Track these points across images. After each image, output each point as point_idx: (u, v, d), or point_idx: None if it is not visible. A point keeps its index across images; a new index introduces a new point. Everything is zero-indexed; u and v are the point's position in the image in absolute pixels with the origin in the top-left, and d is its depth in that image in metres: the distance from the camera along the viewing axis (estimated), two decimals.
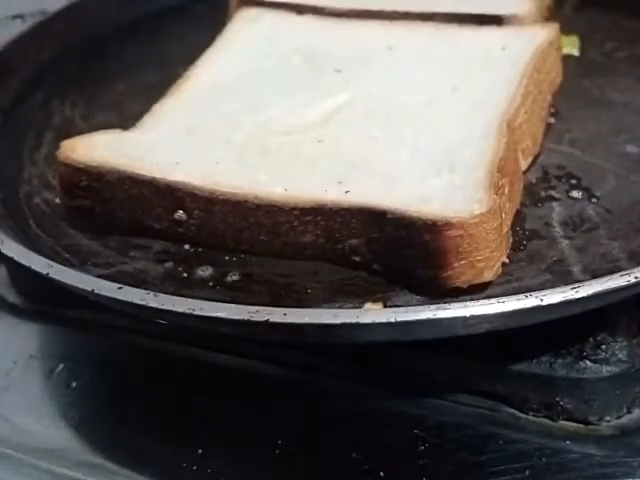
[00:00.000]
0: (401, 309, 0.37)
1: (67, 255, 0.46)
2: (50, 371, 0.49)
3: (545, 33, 0.55)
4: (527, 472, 0.41)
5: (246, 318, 0.37)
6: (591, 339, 0.43)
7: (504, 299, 0.37)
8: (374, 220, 0.42)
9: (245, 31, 0.59)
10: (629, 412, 0.43)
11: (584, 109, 0.55)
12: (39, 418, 0.47)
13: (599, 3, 0.65)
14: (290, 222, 0.44)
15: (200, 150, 0.48)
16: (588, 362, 0.43)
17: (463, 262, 0.41)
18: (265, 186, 0.45)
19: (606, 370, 0.42)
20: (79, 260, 0.46)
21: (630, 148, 0.51)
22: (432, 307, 0.37)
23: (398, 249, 0.42)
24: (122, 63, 0.64)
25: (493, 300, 0.37)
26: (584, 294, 0.37)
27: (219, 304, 0.38)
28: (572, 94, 0.56)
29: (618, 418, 0.43)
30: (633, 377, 0.43)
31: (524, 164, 0.49)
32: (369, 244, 0.43)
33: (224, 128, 0.50)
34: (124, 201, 0.47)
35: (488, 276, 0.42)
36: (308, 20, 0.60)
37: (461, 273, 0.41)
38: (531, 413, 0.43)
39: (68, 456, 0.44)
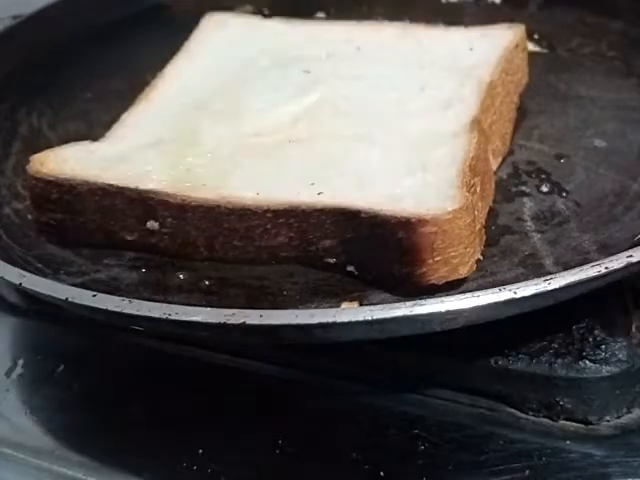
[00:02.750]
0: (377, 307, 0.37)
1: (39, 264, 0.46)
2: (50, 371, 0.48)
3: (511, 34, 0.55)
4: (527, 472, 0.41)
5: (222, 321, 0.37)
6: (591, 339, 0.43)
7: (479, 293, 0.37)
8: (348, 220, 0.42)
9: (212, 36, 0.59)
10: (629, 412, 0.43)
11: (552, 105, 0.56)
12: (39, 418, 0.46)
13: (564, 1, 0.66)
14: (263, 225, 0.44)
15: (170, 157, 0.48)
16: (588, 362, 0.42)
17: (438, 259, 0.41)
18: (237, 190, 0.44)
19: (606, 370, 0.42)
20: (52, 269, 0.46)
21: (598, 142, 0.52)
22: (408, 304, 0.37)
23: (373, 249, 0.42)
24: (89, 71, 0.64)
25: (468, 294, 0.37)
26: (556, 286, 0.37)
27: (195, 308, 0.37)
28: (540, 91, 0.57)
29: (618, 418, 0.43)
30: (633, 377, 0.43)
31: (494, 164, 0.50)
32: (343, 245, 0.43)
33: (194, 134, 0.50)
34: (96, 213, 0.46)
35: (463, 272, 0.42)
36: (275, 23, 0.60)
37: (436, 270, 0.41)
38: (531, 413, 0.43)
39: (68, 456, 0.44)
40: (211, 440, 0.43)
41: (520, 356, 0.43)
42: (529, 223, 0.46)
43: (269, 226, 0.44)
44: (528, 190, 0.49)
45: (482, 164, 0.46)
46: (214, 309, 0.37)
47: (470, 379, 0.44)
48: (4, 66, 0.61)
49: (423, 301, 0.37)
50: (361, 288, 0.43)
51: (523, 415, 0.43)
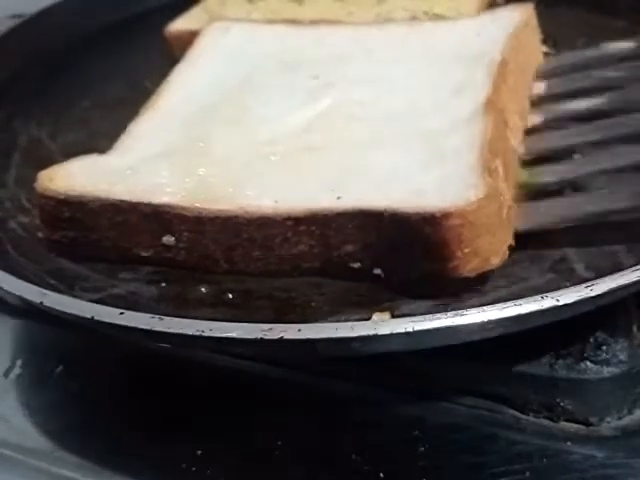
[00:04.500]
0: (417, 318, 0.36)
1: (53, 281, 0.45)
2: (49, 372, 0.48)
3: (518, 14, 0.55)
4: (528, 473, 0.40)
5: (259, 337, 0.35)
6: (592, 340, 0.43)
7: (521, 301, 0.36)
8: (370, 222, 0.41)
9: (215, 42, 0.58)
10: (630, 413, 0.43)
11: None
12: (38, 419, 0.45)
13: (567, 0, 0.66)
14: (283, 234, 0.43)
15: (182, 168, 0.46)
16: (589, 363, 0.42)
17: (467, 251, 0.40)
18: (254, 199, 0.43)
19: (607, 371, 0.42)
20: (66, 285, 0.44)
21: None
22: (449, 314, 0.36)
23: (398, 248, 0.41)
24: (87, 77, 0.63)
25: (509, 303, 0.36)
26: (599, 292, 0.37)
27: (230, 324, 0.36)
28: None
29: (619, 419, 0.42)
30: (634, 378, 0.42)
31: (515, 142, 0.48)
32: (367, 248, 0.42)
33: (205, 143, 0.48)
34: (109, 230, 0.45)
35: (495, 262, 0.41)
36: (279, 27, 0.58)
37: (467, 262, 0.40)
38: (532, 414, 0.43)
39: (66, 457, 0.43)
40: (210, 441, 0.43)
41: (521, 357, 0.42)
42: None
43: (289, 234, 0.43)
44: (552, 192, 0.48)
45: (502, 144, 0.45)
46: (249, 324, 0.36)
47: (470, 380, 0.44)
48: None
49: (464, 311, 0.36)
50: (390, 297, 0.42)
51: (524, 416, 0.43)
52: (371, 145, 0.47)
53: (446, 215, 0.39)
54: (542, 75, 0.55)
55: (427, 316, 0.36)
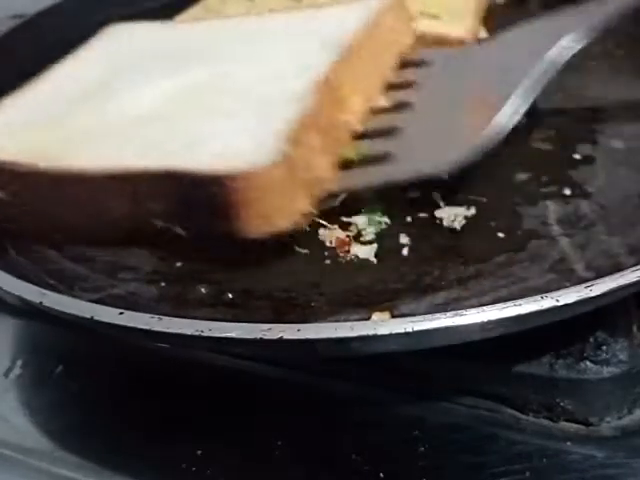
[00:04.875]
0: (417, 318, 0.36)
1: (52, 281, 0.45)
2: (49, 372, 0.48)
3: (385, 1, 0.55)
4: (527, 473, 0.40)
5: (259, 337, 0.35)
6: (592, 340, 0.43)
7: (520, 301, 0.36)
8: (172, 182, 0.42)
9: (107, 39, 0.58)
10: (630, 413, 0.43)
11: (565, 106, 0.56)
12: (38, 419, 0.46)
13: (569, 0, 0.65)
14: (98, 192, 0.44)
15: (31, 135, 0.47)
16: (589, 363, 0.42)
17: (252, 213, 0.41)
18: (81, 161, 0.44)
19: (607, 371, 0.42)
20: (65, 285, 0.44)
21: (615, 143, 0.52)
22: (449, 314, 0.36)
23: (193, 208, 0.42)
24: None
25: (509, 303, 0.36)
26: (599, 292, 0.37)
27: (229, 324, 0.36)
28: (551, 91, 0.56)
29: (619, 419, 0.42)
30: (634, 378, 0.43)
31: (350, 119, 0.49)
32: (171, 208, 0.43)
33: (59, 119, 0.49)
34: None
35: (282, 225, 0.42)
36: (173, 24, 0.60)
37: (252, 223, 0.42)
38: (531, 414, 0.43)
39: (66, 457, 0.44)
40: (210, 441, 0.43)
41: (520, 357, 0.42)
42: (555, 227, 0.46)
43: (105, 193, 0.44)
44: (550, 193, 0.48)
45: (326, 120, 0.46)
46: (249, 324, 0.36)
47: (470, 380, 0.44)
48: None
49: (464, 311, 0.36)
50: (390, 297, 0.42)
51: (524, 416, 0.43)
52: (211, 115, 0.47)
53: (231, 177, 0.41)
54: (407, 63, 0.55)
55: (427, 316, 0.36)
